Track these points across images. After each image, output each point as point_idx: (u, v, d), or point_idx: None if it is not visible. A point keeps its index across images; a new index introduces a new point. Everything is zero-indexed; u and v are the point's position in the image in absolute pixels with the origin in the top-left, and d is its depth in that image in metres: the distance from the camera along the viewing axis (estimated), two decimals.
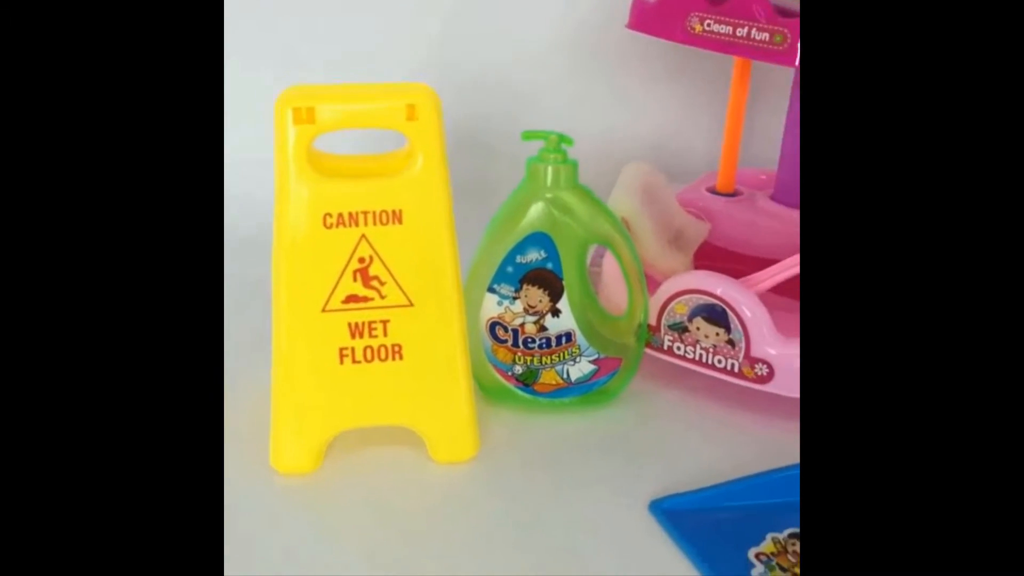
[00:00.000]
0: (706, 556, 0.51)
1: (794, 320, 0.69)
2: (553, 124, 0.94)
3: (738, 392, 0.64)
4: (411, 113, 0.53)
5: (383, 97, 0.54)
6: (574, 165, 0.61)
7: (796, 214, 0.73)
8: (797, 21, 0.55)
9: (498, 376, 0.64)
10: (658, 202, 0.69)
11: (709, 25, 0.59)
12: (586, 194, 0.61)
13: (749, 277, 0.67)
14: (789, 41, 0.56)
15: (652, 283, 0.66)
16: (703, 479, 0.57)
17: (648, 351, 0.66)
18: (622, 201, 0.67)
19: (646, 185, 0.68)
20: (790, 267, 0.66)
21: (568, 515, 0.55)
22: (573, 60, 0.95)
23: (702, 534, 0.53)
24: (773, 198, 0.76)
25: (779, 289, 0.68)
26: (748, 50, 0.57)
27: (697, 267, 0.69)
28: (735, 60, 0.75)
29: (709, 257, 0.71)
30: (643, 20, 0.63)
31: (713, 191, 0.79)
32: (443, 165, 0.55)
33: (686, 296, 0.63)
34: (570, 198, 0.61)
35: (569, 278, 0.61)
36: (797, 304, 0.71)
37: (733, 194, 0.78)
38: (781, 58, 0.56)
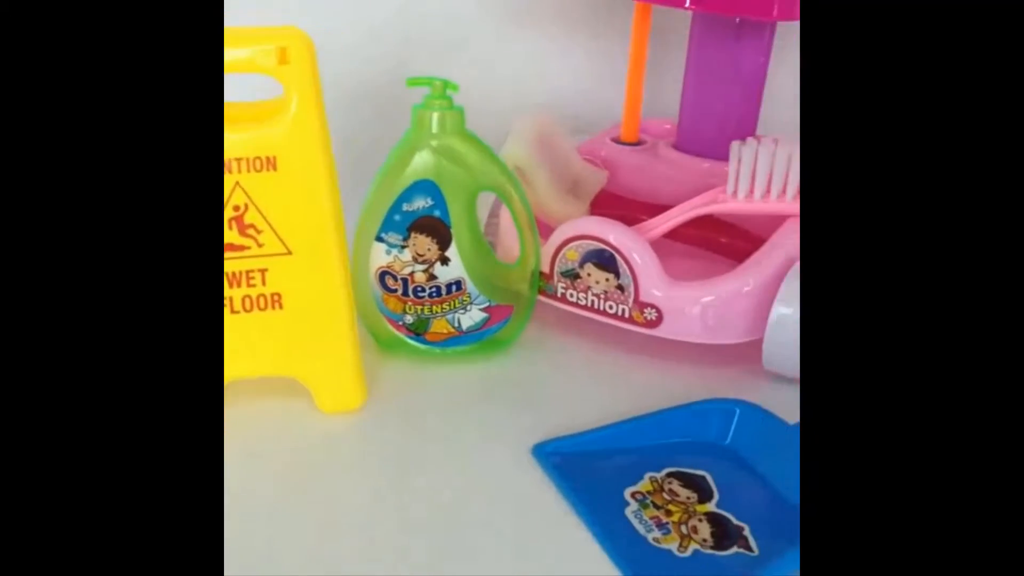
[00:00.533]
0: (583, 496, 0.52)
1: (688, 265, 0.69)
2: (465, 76, 0.93)
3: (631, 338, 0.64)
4: (282, 57, 0.52)
5: (252, 41, 0.52)
6: (460, 111, 0.60)
7: (696, 161, 0.73)
8: None
9: (390, 326, 0.63)
10: (554, 150, 0.68)
11: None
12: (474, 141, 0.61)
13: (643, 224, 0.67)
14: None
15: (550, 231, 0.65)
16: (592, 424, 0.57)
17: (543, 299, 0.66)
18: (514, 149, 0.66)
19: (540, 134, 0.67)
20: (684, 212, 0.66)
21: (452, 462, 0.55)
22: (483, 9, 0.93)
23: (582, 476, 0.53)
24: (675, 146, 0.75)
25: (674, 234, 0.69)
26: None
27: (595, 215, 0.69)
28: (635, 6, 0.74)
29: (608, 205, 0.71)
30: None
31: (617, 141, 0.78)
32: (319, 110, 0.54)
33: (577, 242, 0.62)
34: (457, 145, 0.60)
35: (457, 226, 0.61)
36: (693, 249, 0.72)
37: (638, 143, 0.78)
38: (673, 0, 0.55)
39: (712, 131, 0.72)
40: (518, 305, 0.64)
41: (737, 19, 0.68)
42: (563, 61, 0.94)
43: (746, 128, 0.72)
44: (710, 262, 0.71)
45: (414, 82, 0.60)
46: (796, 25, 0.83)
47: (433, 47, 0.93)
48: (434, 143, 0.60)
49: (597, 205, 0.70)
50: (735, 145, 0.63)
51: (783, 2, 0.59)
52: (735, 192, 0.64)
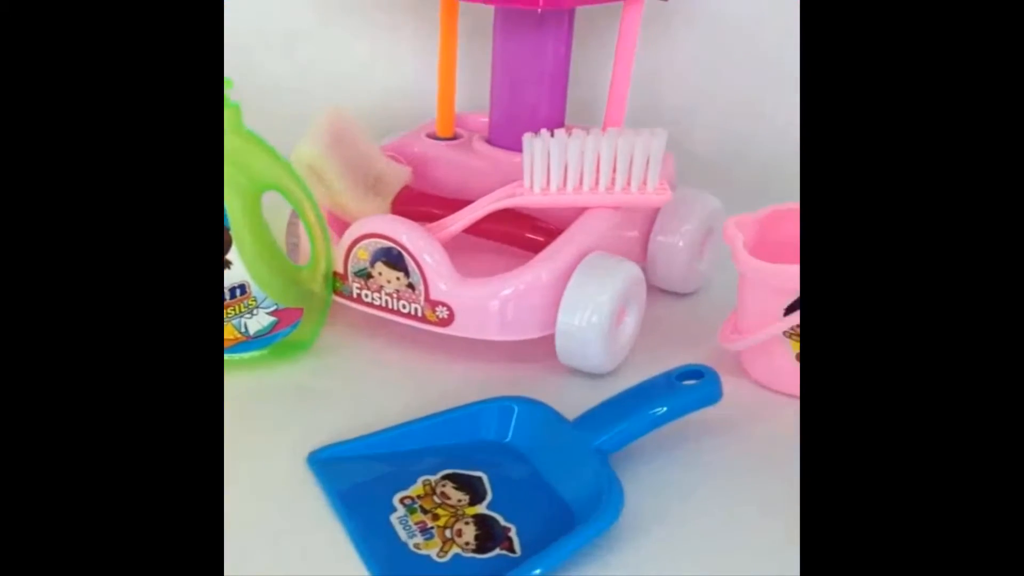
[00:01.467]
0: (349, 503, 0.50)
1: (486, 260, 0.68)
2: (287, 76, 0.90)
3: (431, 337, 0.62)
4: None
5: None
6: (236, 108, 0.58)
7: (508, 155, 0.72)
8: None
9: None
10: (351, 148, 0.66)
11: None
12: (253, 139, 0.59)
13: (442, 220, 0.65)
14: None
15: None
16: (381, 427, 0.55)
17: (341, 300, 0.64)
18: (307, 148, 0.64)
19: (336, 130, 0.66)
20: (483, 207, 0.65)
21: (228, 472, 0.52)
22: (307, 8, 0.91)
23: (353, 482, 0.52)
24: (488, 141, 0.74)
25: (479, 230, 0.67)
26: None
27: (398, 213, 0.67)
28: (440, 1, 0.73)
29: (412, 202, 0.69)
30: None
31: (433, 136, 0.77)
32: None
33: (366, 241, 0.61)
34: (234, 145, 0.58)
35: (237, 228, 0.59)
36: (491, 243, 0.70)
37: (453, 138, 0.77)
38: None
39: (522, 124, 0.71)
40: (311, 307, 0.62)
41: (539, 10, 0.67)
42: (390, 59, 0.92)
43: (554, 119, 0.71)
44: (514, 257, 0.70)
45: None
46: (595, 12, 0.82)
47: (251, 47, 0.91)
48: None
49: (402, 202, 0.69)
50: (527, 138, 0.62)
51: None
52: (531, 185, 0.63)
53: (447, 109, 0.76)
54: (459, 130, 0.78)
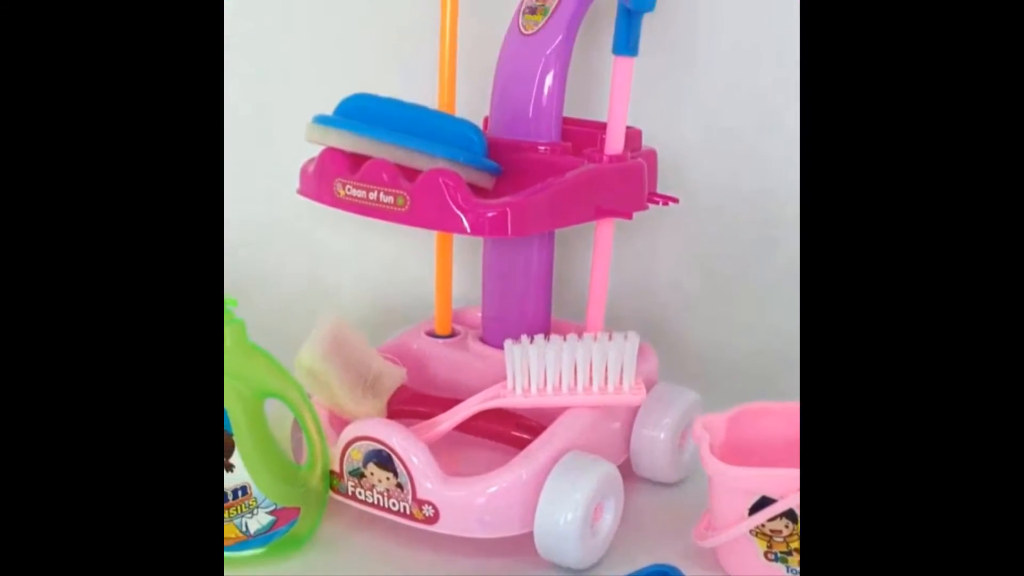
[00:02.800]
0: None
1: (475, 455, 0.72)
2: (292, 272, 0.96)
3: (420, 533, 0.66)
4: None
5: None
6: (241, 324, 0.64)
7: (500, 354, 0.76)
8: (420, 183, 0.60)
9: None
10: (350, 351, 0.72)
11: (349, 190, 0.63)
12: (255, 352, 0.64)
13: (432, 420, 0.70)
14: (410, 203, 0.60)
15: None
16: None
17: (338, 497, 0.68)
18: (308, 354, 0.69)
19: (336, 336, 0.71)
20: (470, 407, 0.69)
21: None
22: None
23: None
24: (482, 339, 0.79)
25: (468, 427, 0.72)
26: (378, 212, 0.61)
27: (395, 412, 0.72)
28: None
29: (407, 402, 0.74)
30: (306, 186, 0.68)
31: (432, 333, 0.82)
32: None
33: (359, 443, 0.65)
34: (238, 358, 0.63)
35: (239, 434, 0.63)
36: (481, 440, 0.74)
37: (450, 335, 0.82)
38: (404, 218, 0.60)
39: (511, 324, 0.76)
40: (308, 504, 0.66)
41: None
42: (395, 259, 0.99)
43: (540, 317, 0.76)
44: (502, 452, 0.74)
45: None
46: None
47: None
48: None
49: (398, 402, 0.73)
50: (508, 344, 0.67)
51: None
52: (514, 387, 0.68)
53: (444, 308, 0.82)
54: (457, 326, 0.83)
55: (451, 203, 0.59)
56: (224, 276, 0.86)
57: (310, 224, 0.95)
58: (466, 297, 0.88)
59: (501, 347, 0.77)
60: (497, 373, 0.74)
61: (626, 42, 0.64)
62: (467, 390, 0.76)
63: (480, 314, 0.86)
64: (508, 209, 0.59)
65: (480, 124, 0.78)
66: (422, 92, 0.82)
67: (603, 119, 0.74)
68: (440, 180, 0.59)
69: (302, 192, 0.68)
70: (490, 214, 0.59)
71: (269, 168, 0.97)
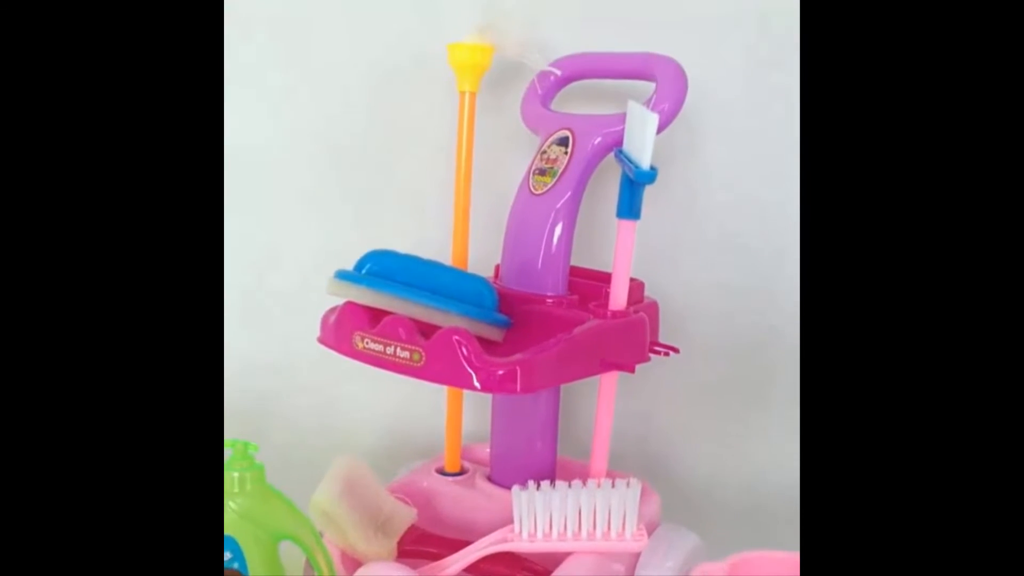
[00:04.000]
0: None
1: None
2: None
3: None
4: None
5: None
6: (260, 469, 0.67)
7: (506, 494, 0.79)
8: (434, 341, 0.64)
9: None
10: (363, 493, 0.74)
11: (367, 343, 0.67)
12: (274, 496, 0.67)
13: (439, 562, 0.72)
14: (425, 359, 0.64)
15: None
16: None
17: None
18: (322, 496, 0.72)
19: (349, 477, 0.74)
20: (477, 550, 0.71)
21: None
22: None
23: None
24: (490, 478, 0.82)
25: (476, 570, 0.74)
26: (394, 365, 0.65)
27: (405, 551, 0.74)
28: None
29: (416, 542, 0.77)
30: (326, 335, 0.71)
31: (441, 471, 0.85)
32: None
33: None
34: (257, 502, 0.66)
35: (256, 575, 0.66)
36: None
37: (459, 473, 0.85)
38: (418, 373, 0.64)
39: (518, 464, 0.79)
40: None
41: None
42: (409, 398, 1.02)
43: (546, 460, 0.79)
44: None
45: None
46: None
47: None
48: (234, 504, 0.66)
49: (408, 542, 0.76)
50: (516, 491, 0.70)
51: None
52: (520, 532, 0.70)
53: (454, 447, 0.85)
54: (466, 463, 0.86)
55: (463, 361, 0.63)
56: (244, 412, 0.90)
57: (327, 362, 0.99)
58: (477, 432, 0.91)
59: (508, 487, 0.79)
60: (504, 513, 0.77)
61: (629, 208, 0.69)
62: (475, 529, 0.78)
63: (487, 450, 0.89)
64: (518, 367, 0.62)
65: (491, 272, 0.82)
66: (437, 241, 0.87)
67: (604, 267, 0.78)
68: (453, 338, 0.63)
69: (322, 341, 0.72)
70: (500, 372, 0.62)
71: (289, 310, 1.02)
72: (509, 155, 0.91)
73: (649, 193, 0.68)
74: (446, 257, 0.83)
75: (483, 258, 0.83)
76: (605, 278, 0.77)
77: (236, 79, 0.94)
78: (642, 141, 0.66)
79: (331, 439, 0.99)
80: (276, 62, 0.99)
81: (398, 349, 0.65)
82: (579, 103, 0.86)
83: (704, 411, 0.94)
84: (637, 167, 0.66)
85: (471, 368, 0.63)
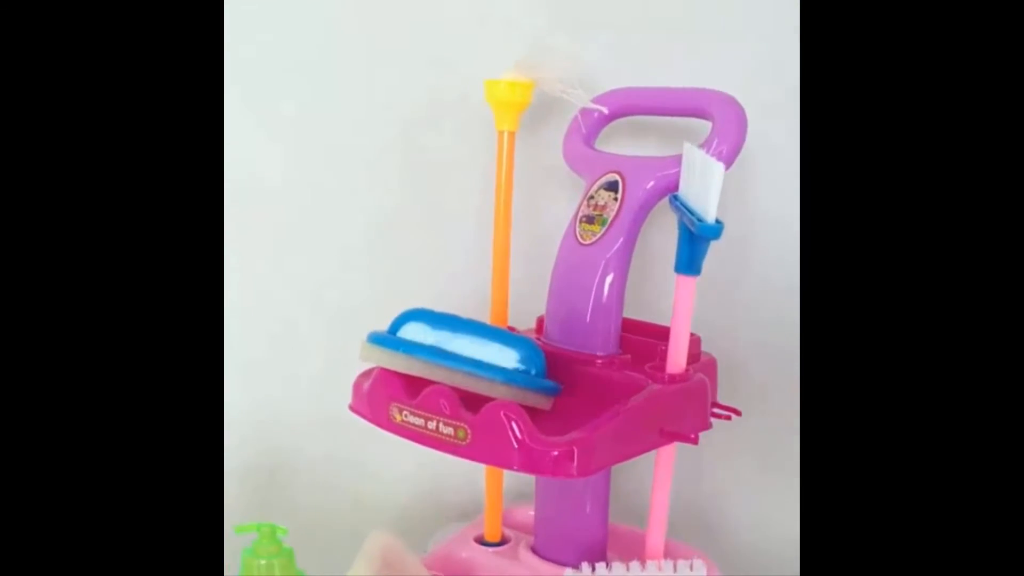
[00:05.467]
0: None
1: None
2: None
3: None
4: None
5: None
6: (290, 554, 0.61)
7: (552, 568, 0.73)
8: (482, 417, 0.58)
9: None
10: (399, 569, 0.68)
11: (406, 416, 0.61)
12: None
13: None
14: (471, 437, 0.58)
15: None
16: None
17: None
18: (359, 572, 0.66)
19: (385, 553, 0.68)
20: None
21: None
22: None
23: None
24: (533, 549, 0.76)
25: None
26: (437, 443, 0.59)
27: None
28: None
29: None
30: (359, 403, 0.66)
31: (481, 540, 0.79)
32: None
33: None
34: None
35: None
36: None
37: (500, 542, 0.79)
38: (464, 452, 0.58)
39: (565, 535, 0.73)
40: None
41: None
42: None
43: (596, 530, 0.73)
44: None
45: (242, 529, 0.62)
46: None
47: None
48: None
49: None
50: (569, 574, 0.64)
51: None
52: None
53: (495, 514, 0.79)
54: (507, 531, 0.80)
55: (514, 440, 0.57)
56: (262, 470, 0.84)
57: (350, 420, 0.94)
58: (517, 488, 0.85)
59: (554, 560, 0.74)
60: None
61: (688, 263, 0.63)
62: None
63: (529, 513, 0.83)
64: (574, 448, 0.56)
65: (533, 324, 0.76)
66: (474, 291, 0.81)
67: (654, 317, 0.72)
68: (502, 414, 0.57)
69: (355, 410, 0.66)
70: (555, 453, 0.56)
71: (313, 366, 0.96)
72: (548, 194, 0.85)
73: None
74: (484, 309, 0.77)
75: (524, 310, 0.77)
76: (658, 332, 0.71)
77: (260, 119, 0.90)
78: (705, 192, 0.60)
79: (359, 501, 0.93)
80: (295, 97, 0.93)
81: (441, 424, 0.59)
82: (623, 138, 0.80)
83: (761, 471, 0.87)
84: (701, 221, 0.60)
85: (522, 448, 0.57)
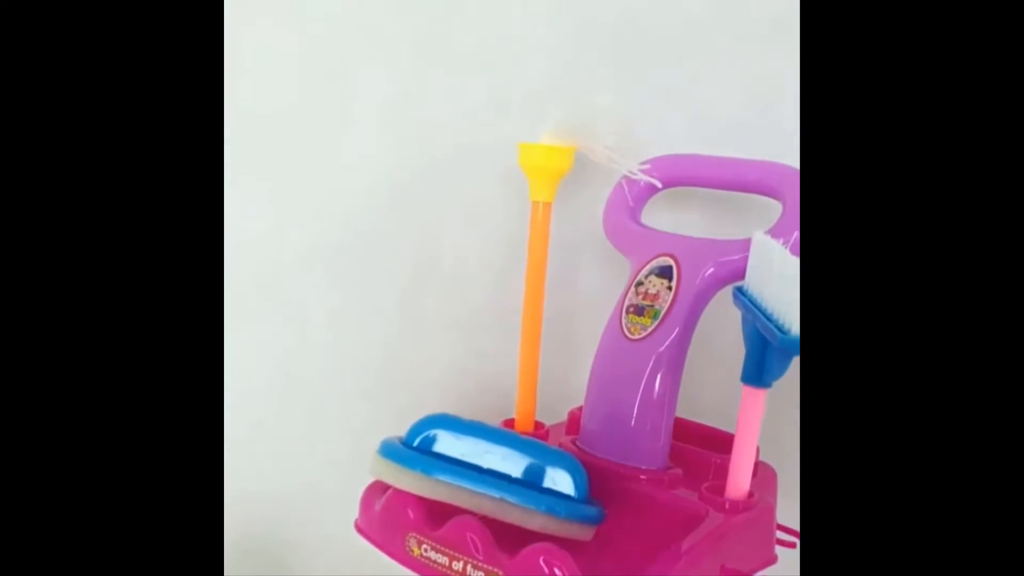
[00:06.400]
0: None
1: None
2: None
3: None
4: None
5: None
6: None
7: None
8: (520, 563, 0.49)
9: None
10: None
11: (426, 551, 0.51)
12: None
13: None
14: None
15: None
16: None
17: None
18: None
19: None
20: None
21: None
22: None
23: None
24: None
25: None
26: None
27: None
28: None
29: None
30: (368, 525, 0.56)
31: None
32: None
33: None
34: None
35: None
36: None
37: None
38: None
39: None
40: None
41: None
42: None
43: None
44: None
45: None
46: None
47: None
48: None
49: None
50: None
51: None
52: None
53: None
54: None
55: None
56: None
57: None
58: None
59: None
60: None
61: (758, 373, 0.53)
62: None
63: None
64: None
65: (565, 419, 0.67)
66: (497, 383, 0.72)
67: (701, 415, 0.64)
68: (541, 560, 0.48)
69: (363, 532, 0.57)
70: None
71: (310, 438, 0.88)
72: (579, 265, 0.76)
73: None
74: (509, 402, 0.68)
75: (552, 403, 0.68)
76: (709, 436, 0.63)
77: (271, 195, 0.81)
78: (784, 293, 0.51)
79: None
80: (297, 160, 0.85)
81: (469, 567, 0.50)
82: (665, 206, 0.71)
83: None
84: (783, 333, 0.51)
85: None
